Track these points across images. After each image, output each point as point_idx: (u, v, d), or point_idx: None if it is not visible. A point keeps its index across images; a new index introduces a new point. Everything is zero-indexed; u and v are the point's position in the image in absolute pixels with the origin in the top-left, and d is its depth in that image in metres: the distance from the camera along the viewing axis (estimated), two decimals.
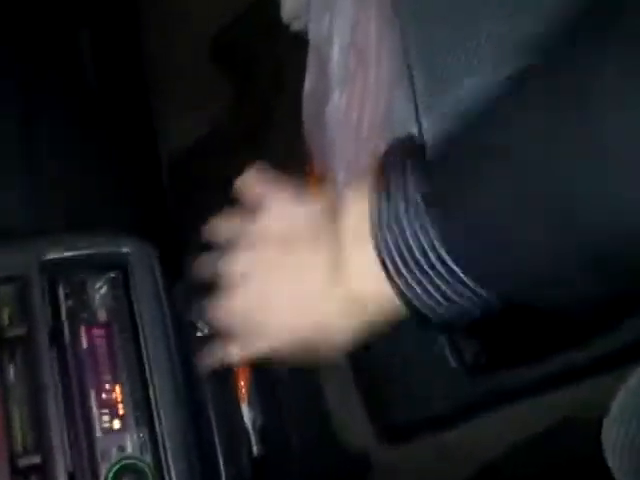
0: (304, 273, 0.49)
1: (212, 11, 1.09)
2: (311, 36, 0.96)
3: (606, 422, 0.56)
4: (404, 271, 0.41)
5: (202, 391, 0.71)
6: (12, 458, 0.58)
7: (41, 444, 0.59)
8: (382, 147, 0.99)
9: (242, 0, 1.07)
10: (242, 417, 0.77)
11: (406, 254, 0.41)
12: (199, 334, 0.76)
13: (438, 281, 0.40)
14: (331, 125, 1.00)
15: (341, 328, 0.49)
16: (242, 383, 0.79)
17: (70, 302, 0.65)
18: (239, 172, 1.12)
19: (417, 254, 0.40)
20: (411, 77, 0.67)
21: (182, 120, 1.12)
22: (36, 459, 0.58)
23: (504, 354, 0.73)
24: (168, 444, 0.61)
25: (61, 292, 0.65)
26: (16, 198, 0.71)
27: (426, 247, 0.40)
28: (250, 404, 0.79)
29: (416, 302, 0.42)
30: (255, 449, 0.78)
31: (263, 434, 0.79)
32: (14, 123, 0.76)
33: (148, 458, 0.61)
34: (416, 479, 0.85)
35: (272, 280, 0.51)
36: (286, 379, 0.84)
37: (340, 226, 0.47)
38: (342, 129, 1.00)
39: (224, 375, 0.76)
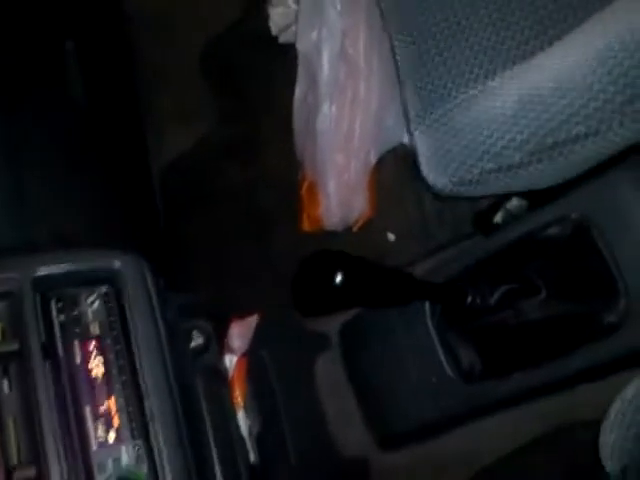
0: None
1: (200, 25, 1.09)
2: (300, 47, 0.96)
3: (603, 427, 0.56)
4: None
5: (197, 400, 0.71)
6: (7, 471, 0.58)
7: (36, 457, 0.59)
8: (374, 156, 1.00)
9: (230, 14, 1.07)
10: (238, 425, 0.77)
11: None
12: (193, 344, 0.76)
13: None
14: (321, 135, 0.99)
15: None
16: (238, 391, 0.80)
17: (63, 317, 0.65)
18: (231, 185, 1.13)
19: None
20: (402, 89, 0.67)
21: (173, 135, 1.11)
22: (31, 471, 0.58)
23: (499, 362, 0.73)
24: (164, 455, 0.61)
25: (53, 307, 0.65)
26: (6, 216, 0.70)
27: None
28: (246, 412, 0.80)
29: None
30: (252, 456, 0.78)
31: (259, 442, 0.80)
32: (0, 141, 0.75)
33: (144, 469, 0.61)
34: None
35: None
36: (283, 389, 0.85)
37: None
38: (332, 139, 1.00)
39: (219, 384, 0.76)
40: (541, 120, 0.57)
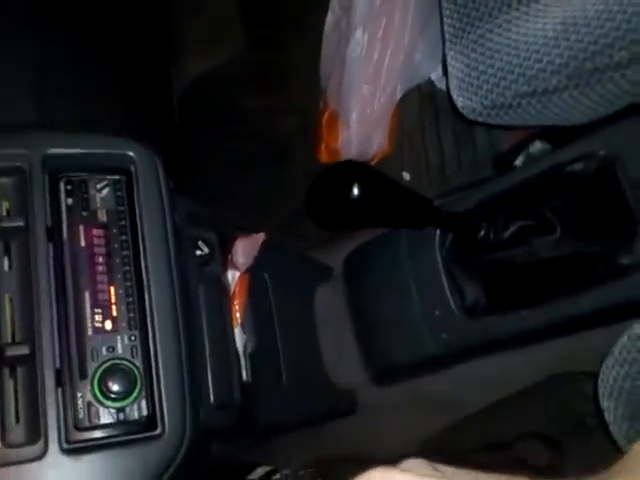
0: None
1: None
2: None
3: (606, 364, 0.55)
4: None
5: (198, 307, 0.70)
6: (0, 347, 0.57)
7: (30, 336, 0.58)
8: (400, 91, 0.98)
9: None
10: (235, 340, 0.76)
11: None
12: (199, 253, 0.75)
13: None
14: (351, 63, 0.97)
15: None
16: (237, 308, 0.78)
17: (70, 200, 0.63)
18: (252, 110, 1.11)
19: None
20: (441, 9, 0.65)
21: (200, 56, 1.09)
22: (24, 350, 0.57)
23: (505, 298, 0.72)
24: (159, 350, 0.60)
25: (62, 189, 0.63)
26: (25, 95, 0.69)
27: None
28: (243, 329, 0.79)
29: None
30: (244, 374, 0.77)
31: (253, 360, 0.78)
32: (28, 24, 0.74)
33: (138, 361, 0.60)
34: (396, 421, 0.84)
35: None
36: (281, 313, 0.84)
37: None
38: (362, 68, 0.97)
39: (221, 296, 0.75)
40: (584, 43, 0.55)
